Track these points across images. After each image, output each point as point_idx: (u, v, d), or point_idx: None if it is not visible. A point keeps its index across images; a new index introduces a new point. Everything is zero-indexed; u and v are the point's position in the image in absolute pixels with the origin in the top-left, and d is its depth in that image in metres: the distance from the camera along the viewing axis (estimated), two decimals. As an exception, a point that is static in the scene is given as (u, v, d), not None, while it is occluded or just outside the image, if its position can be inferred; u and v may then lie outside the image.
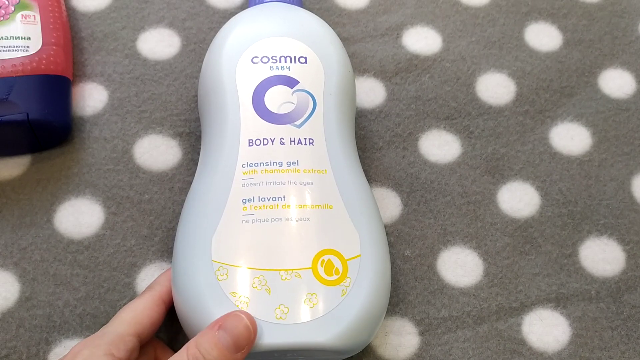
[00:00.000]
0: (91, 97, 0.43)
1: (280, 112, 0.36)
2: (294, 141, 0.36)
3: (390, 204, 0.41)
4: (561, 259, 0.40)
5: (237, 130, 0.36)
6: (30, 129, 0.39)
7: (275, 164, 0.35)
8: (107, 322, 0.36)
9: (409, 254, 0.39)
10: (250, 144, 0.35)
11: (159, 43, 0.45)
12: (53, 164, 0.41)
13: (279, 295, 0.32)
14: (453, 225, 0.40)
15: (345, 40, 0.46)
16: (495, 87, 0.45)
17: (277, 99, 0.37)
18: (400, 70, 0.45)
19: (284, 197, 0.34)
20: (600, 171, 0.42)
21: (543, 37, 0.47)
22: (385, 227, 0.40)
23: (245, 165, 0.35)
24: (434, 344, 0.37)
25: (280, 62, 0.38)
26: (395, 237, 0.40)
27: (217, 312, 0.32)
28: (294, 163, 0.35)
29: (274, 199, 0.34)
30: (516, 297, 0.38)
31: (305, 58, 0.38)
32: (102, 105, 0.43)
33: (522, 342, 0.37)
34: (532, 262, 0.39)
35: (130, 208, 0.40)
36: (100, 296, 0.37)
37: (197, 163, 0.38)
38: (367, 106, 0.44)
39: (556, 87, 0.45)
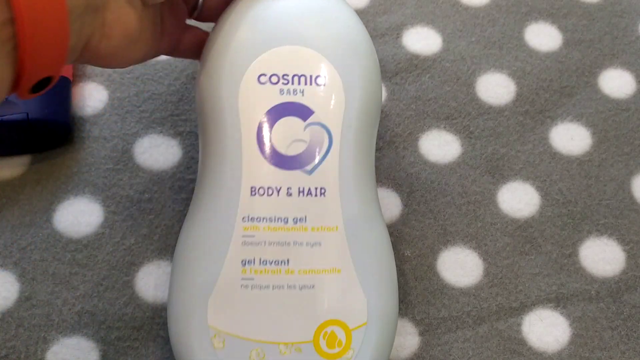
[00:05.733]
0: (91, 97, 0.43)
1: (290, 154, 0.31)
2: (302, 192, 0.31)
3: (390, 204, 0.41)
4: (561, 259, 0.40)
5: (238, 174, 0.31)
6: (30, 129, 0.39)
7: (280, 220, 0.31)
8: (105, 320, 0.37)
9: (409, 254, 0.39)
10: (253, 193, 0.31)
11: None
12: (53, 164, 0.41)
13: None
14: (453, 225, 0.40)
15: (345, 40, 0.46)
16: (495, 87, 0.45)
17: (287, 136, 0.31)
18: (400, 70, 0.45)
19: (287, 261, 0.31)
20: (600, 171, 0.42)
21: (543, 37, 0.47)
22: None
23: (246, 219, 0.31)
24: (434, 344, 0.37)
25: (292, 83, 0.32)
26: (395, 237, 0.40)
27: None
28: (301, 220, 0.31)
29: (276, 262, 0.31)
30: (516, 297, 0.38)
31: (324, 78, 0.32)
32: (102, 105, 0.43)
33: (522, 342, 0.37)
34: (532, 262, 0.39)
35: (129, 207, 0.40)
36: (99, 294, 0.37)
37: (197, 162, 0.38)
38: (367, 106, 0.44)
39: (556, 87, 0.45)
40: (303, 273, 0.31)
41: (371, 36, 0.46)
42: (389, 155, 0.42)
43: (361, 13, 0.47)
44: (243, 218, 0.31)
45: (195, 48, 0.36)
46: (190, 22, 0.37)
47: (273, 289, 0.31)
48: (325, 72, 0.32)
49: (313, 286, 0.31)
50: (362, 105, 0.33)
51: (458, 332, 0.37)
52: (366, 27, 0.46)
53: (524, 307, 0.38)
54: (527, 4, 0.48)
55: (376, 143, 0.42)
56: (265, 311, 0.30)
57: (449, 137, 0.43)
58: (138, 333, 0.36)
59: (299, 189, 0.31)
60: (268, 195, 0.31)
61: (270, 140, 0.31)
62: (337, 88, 0.32)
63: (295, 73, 0.32)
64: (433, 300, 0.38)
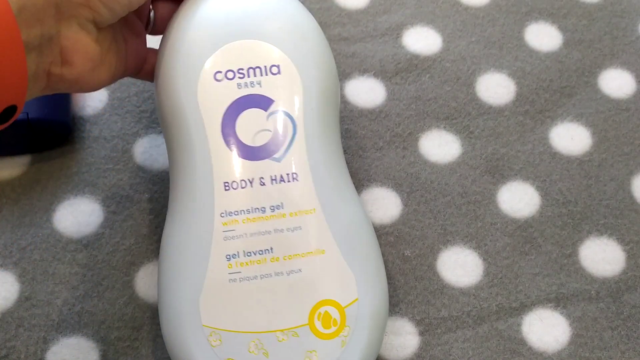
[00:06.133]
0: (91, 97, 0.43)
1: (256, 145, 0.32)
2: (275, 179, 0.32)
3: (390, 204, 0.41)
4: (561, 259, 0.40)
5: (209, 172, 0.32)
6: (30, 129, 0.39)
7: (257, 210, 0.31)
8: (105, 320, 0.37)
9: (409, 254, 0.39)
10: (227, 188, 0.31)
11: (158, 42, 0.45)
12: (53, 164, 0.41)
13: (278, 358, 0.31)
14: (453, 225, 0.40)
15: (345, 40, 0.46)
16: (495, 87, 0.45)
17: (251, 128, 0.32)
18: (400, 70, 0.45)
19: (271, 249, 0.31)
20: (600, 171, 0.42)
21: (543, 37, 0.47)
22: (385, 227, 0.40)
23: (224, 215, 0.31)
24: (433, 343, 0.37)
25: (248, 76, 0.32)
26: (395, 237, 0.40)
27: None
28: (278, 207, 0.32)
29: (260, 252, 0.31)
30: (516, 297, 0.38)
31: (278, 67, 0.32)
32: (102, 105, 0.43)
33: (522, 342, 0.37)
34: (532, 262, 0.39)
35: (129, 207, 0.40)
36: (99, 294, 0.37)
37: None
38: (367, 106, 0.44)
39: (556, 87, 0.45)
40: (288, 259, 0.31)
41: (371, 36, 0.46)
42: (389, 155, 0.42)
43: (361, 13, 0.47)
44: (221, 214, 0.31)
45: None
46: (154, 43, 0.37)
47: (261, 278, 0.31)
48: (278, 60, 0.33)
49: (300, 270, 0.31)
50: (319, 86, 0.33)
51: (458, 332, 0.37)
52: (366, 27, 0.47)
53: (524, 307, 0.38)
54: (527, 4, 0.48)
55: (376, 143, 0.43)
56: (257, 302, 0.31)
57: (449, 137, 0.43)
58: (138, 333, 0.36)
59: (271, 177, 0.32)
60: (242, 187, 0.31)
61: (236, 134, 0.32)
62: (293, 74, 0.33)
63: (250, 66, 0.32)
64: (433, 300, 0.38)
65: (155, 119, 0.43)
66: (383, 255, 0.39)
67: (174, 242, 0.32)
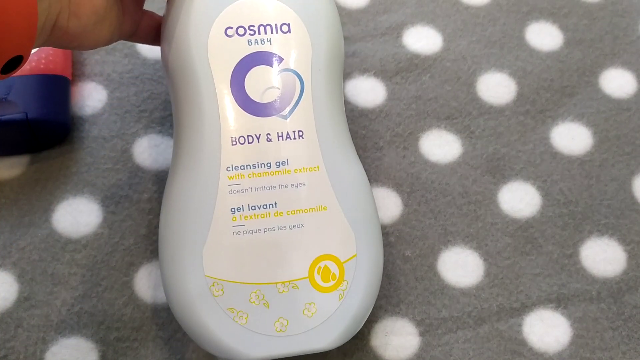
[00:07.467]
0: (90, 97, 0.43)
1: (264, 101, 0.33)
2: (281, 136, 0.33)
3: (391, 204, 0.41)
4: (562, 259, 0.40)
5: (217, 127, 0.32)
6: (29, 129, 0.39)
7: (263, 165, 0.32)
8: (104, 320, 0.37)
9: (410, 254, 0.39)
10: (234, 143, 0.32)
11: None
12: (52, 164, 0.41)
13: (278, 309, 0.31)
14: (454, 225, 0.40)
15: (345, 39, 0.46)
16: (496, 87, 0.45)
17: (260, 84, 0.33)
18: (400, 70, 0.45)
19: (275, 203, 0.32)
20: (601, 171, 0.42)
21: (544, 36, 0.47)
22: (386, 227, 0.40)
23: (231, 169, 0.32)
24: (434, 344, 0.37)
25: (259, 33, 0.33)
26: (396, 237, 0.40)
27: (216, 328, 0.31)
28: (283, 163, 0.32)
29: (264, 206, 0.32)
30: (517, 298, 0.38)
31: (289, 26, 0.33)
32: (101, 104, 0.43)
33: (523, 343, 0.37)
34: (533, 263, 0.39)
35: (129, 207, 0.40)
36: (98, 295, 0.37)
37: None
38: (368, 106, 0.44)
39: (557, 87, 0.45)
40: (291, 214, 0.32)
41: (372, 35, 0.46)
42: (389, 155, 0.42)
43: (361, 12, 0.47)
44: (227, 168, 0.32)
45: (153, 33, 0.37)
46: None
47: (265, 232, 0.32)
48: (289, 19, 0.33)
49: (302, 225, 0.32)
50: (328, 47, 0.34)
51: (459, 333, 0.37)
52: (367, 26, 0.47)
53: (525, 308, 0.38)
54: (528, 3, 0.48)
55: (376, 143, 0.42)
56: (259, 254, 0.32)
57: (449, 137, 0.43)
58: (137, 333, 0.36)
59: (277, 134, 0.33)
60: (248, 143, 0.32)
61: (245, 90, 0.33)
62: (303, 34, 0.33)
63: (260, 23, 0.33)
64: (434, 300, 0.38)
65: (155, 118, 0.42)
66: (383, 255, 0.38)
67: (179, 195, 0.33)
